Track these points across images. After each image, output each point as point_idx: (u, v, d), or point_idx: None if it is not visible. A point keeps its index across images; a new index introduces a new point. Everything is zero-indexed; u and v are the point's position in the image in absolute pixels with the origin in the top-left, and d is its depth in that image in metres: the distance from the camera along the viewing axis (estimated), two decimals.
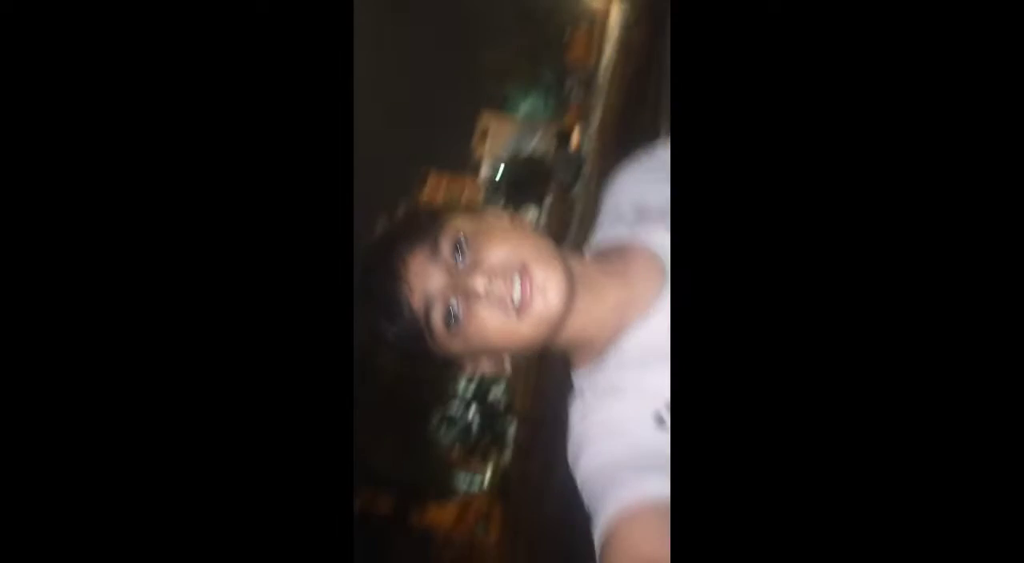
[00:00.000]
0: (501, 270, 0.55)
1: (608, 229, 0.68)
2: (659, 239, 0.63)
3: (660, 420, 0.55)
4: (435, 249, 0.56)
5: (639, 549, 0.48)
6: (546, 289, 0.55)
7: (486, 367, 0.62)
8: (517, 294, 0.54)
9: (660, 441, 0.54)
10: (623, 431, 0.55)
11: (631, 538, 0.49)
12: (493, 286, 0.55)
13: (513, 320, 0.55)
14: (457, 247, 0.56)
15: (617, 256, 0.64)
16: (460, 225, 0.57)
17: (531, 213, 11.69)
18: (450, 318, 0.56)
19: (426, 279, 0.56)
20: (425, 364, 0.62)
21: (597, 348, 0.61)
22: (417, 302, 0.56)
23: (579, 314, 0.58)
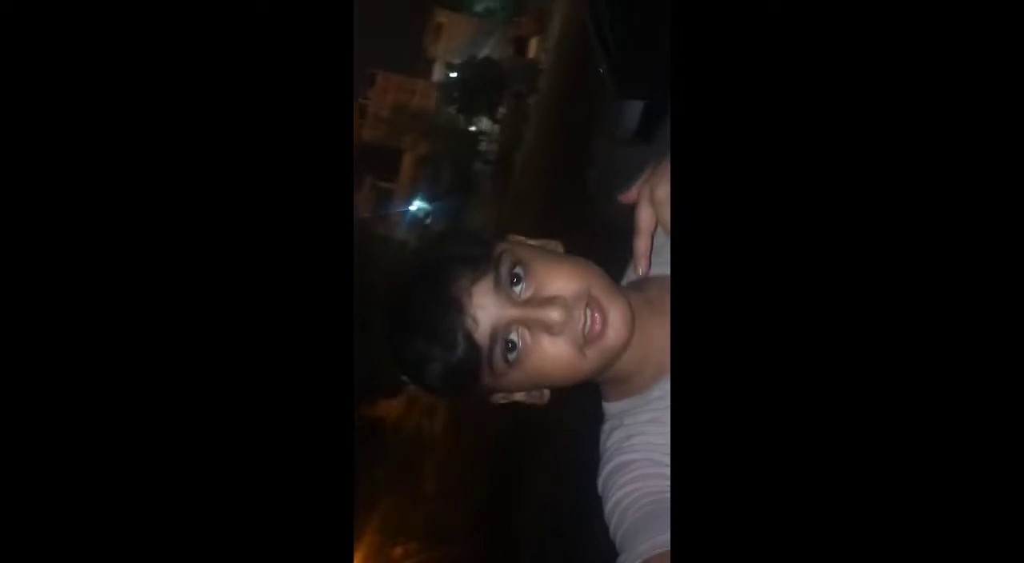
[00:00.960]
0: (572, 302, 0.54)
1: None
2: None
3: None
4: (498, 279, 0.54)
5: None
6: (616, 321, 0.54)
7: (520, 397, 0.60)
8: (588, 326, 0.53)
9: None
10: (661, 464, 0.54)
11: None
12: (566, 318, 0.53)
13: (578, 352, 0.54)
14: (514, 277, 0.55)
15: (659, 287, 0.62)
16: (517, 253, 0.56)
17: (484, 122, 11.54)
18: (513, 351, 0.54)
19: (492, 311, 0.54)
20: (467, 394, 0.58)
21: (638, 384, 0.60)
22: (482, 336, 0.53)
23: (627, 350, 0.57)
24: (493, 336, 0.53)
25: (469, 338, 0.53)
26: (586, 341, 0.53)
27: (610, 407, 0.61)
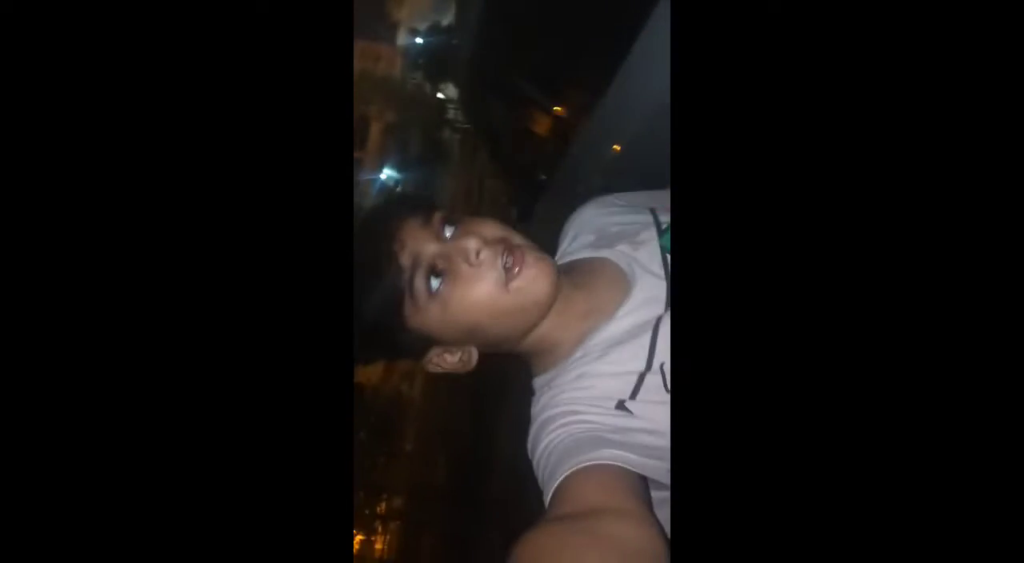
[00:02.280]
0: (493, 241, 0.57)
1: (568, 253, 0.71)
2: (622, 252, 0.65)
3: (623, 408, 0.55)
4: (427, 219, 0.58)
5: (582, 498, 0.47)
6: (539, 268, 0.57)
7: (450, 361, 0.61)
8: (508, 261, 0.56)
9: (622, 421, 0.54)
10: (585, 414, 0.55)
11: (582, 489, 0.48)
12: (484, 250, 0.56)
13: (498, 288, 0.56)
14: (448, 221, 0.59)
15: (580, 271, 0.66)
16: (454, 212, 0.61)
17: (449, 90, 11.52)
18: (432, 279, 0.56)
19: (417, 241, 0.57)
20: (393, 344, 0.59)
21: (561, 353, 0.62)
22: (405, 259, 0.56)
23: (550, 318, 0.60)
24: (415, 261, 0.57)
25: (394, 260, 0.56)
26: (508, 276, 0.56)
27: (538, 380, 0.63)
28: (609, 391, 0.56)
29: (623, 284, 0.63)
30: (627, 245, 0.66)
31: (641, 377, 0.56)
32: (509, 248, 0.57)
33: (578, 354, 0.60)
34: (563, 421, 0.55)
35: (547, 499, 0.50)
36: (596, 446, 0.51)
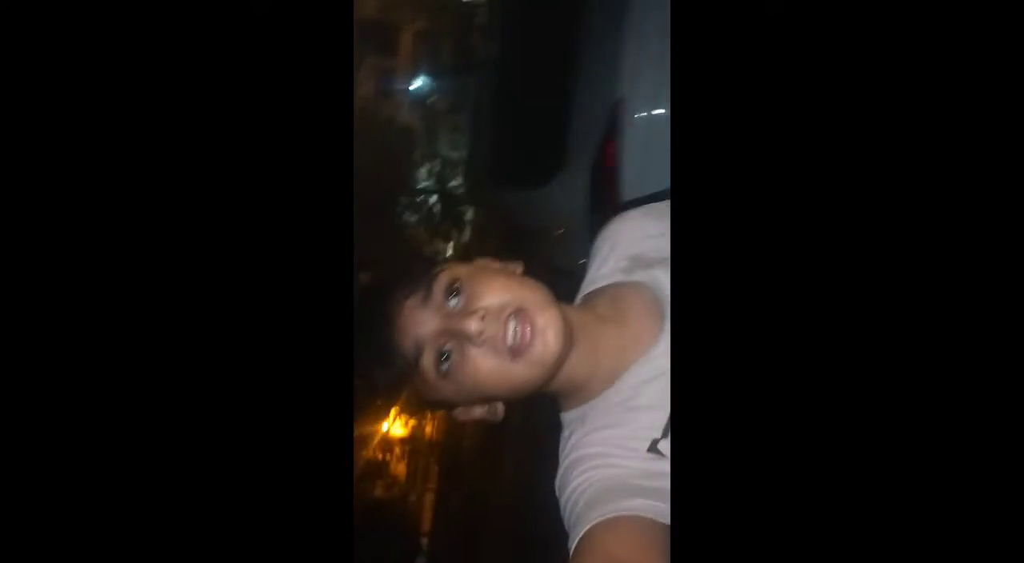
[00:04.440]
0: (495, 312, 0.56)
1: (599, 278, 0.68)
2: (656, 278, 0.63)
3: (655, 450, 0.54)
4: (428, 294, 0.57)
5: (611, 552, 0.47)
6: (546, 333, 0.55)
7: (478, 414, 0.61)
8: (512, 337, 0.55)
9: (654, 465, 0.53)
10: (616, 457, 0.54)
11: (605, 542, 0.48)
12: (487, 328, 0.55)
13: (507, 363, 0.55)
14: (451, 292, 0.57)
15: (610, 300, 0.64)
16: (454, 271, 0.58)
17: None
18: (441, 362, 0.56)
19: (418, 324, 0.57)
20: (425, 406, 0.61)
21: (592, 391, 0.60)
22: (408, 346, 0.56)
23: (576, 360, 0.58)
24: (418, 345, 0.56)
25: (396, 348, 0.57)
26: (514, 353, 0.55)
27: (566, 416, 0.62)
28: (641, 429, 0.55)
29: (657, 315, 0.61)
30: (661, 269, 0.63)
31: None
32: (515, 315, 0.56)
33: (610, 392, 0.59)
34: (593, 463, 0.55)
35: (572, 546, 0.50)
36: (625, 495, 0.51)
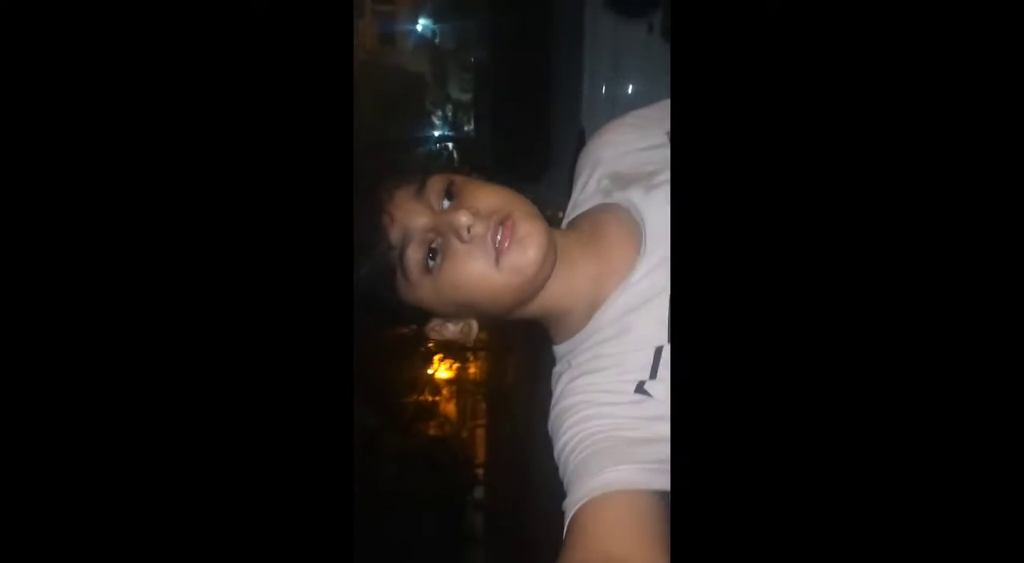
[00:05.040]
0: (486, 213, 0.57)
1: (581, 202, 0.69)
2: (631, 200, 0.63)
3: (642, 391, 0.56)
4: (422, 189, 0.58)
5: (598, 542, 0.48)
6: (526, 241, 0.56)
7: (451, 331, 0.62)
8: (497, 238, 0.56)
9: (642, 409, 0.55)
10: (603, 404, 0.56)
11: (594, 529, 0.49)
12: (476, 225, 0.56)
13: (491, 267, 0.56)
14: (445, 192, 0.59)
15: (590, 224, 0.65)
16: (450, 175, 0.60)
17: None
18: (428, 257, 0.56)
19: (408, 214, 0.58)
20: (390, 313, 0.60)
21: (575, 322, 0.62)
22: (396, 234, 0.57)
23: (555, 284, 0.59)
24: (406, 237, 0.57)
25: (384, 235, 0.57)
26: (497, 254, 0.56)
27: (557, 349, 0.64)
28: (627, 370, 0.57)
29: (635, 240, 0.61)
30: (641, 188, 0.63)
31: (658, 353, 0.57)
32: (501, 220, 0.56)
33: (592, 325, 0.61)
34: (582, 414, 0.56)
35: (567, 519, 0.52)
36: (612, 460, 0.52)
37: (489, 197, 0.60)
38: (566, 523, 0.53)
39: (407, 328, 0.66)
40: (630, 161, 0.68)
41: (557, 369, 0.64)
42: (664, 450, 0.50)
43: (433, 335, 0.65)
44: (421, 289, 0.59)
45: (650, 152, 0.67)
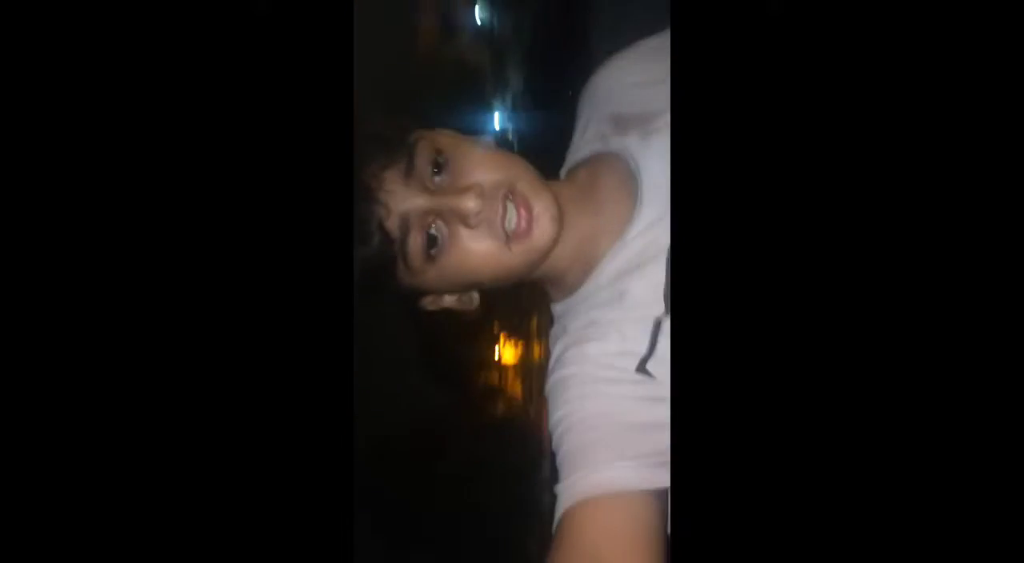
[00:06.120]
0: (491, 191, 0.54)
1: (581, 145, 0.68)
2: (629, 148, 0.63)
3: (644, 371, 0.55)
4: (411, 166, 0.55)
5: (592, 548, 0.50)
6: (543, 218, 0.54)
7: (448, 302, 0.61)
8: (510, 221, 0.54)
9: (643, 389, 0.54)
10: (603, 381, 0.55)
11: (590, 533, 0.51)
12: (484, 208, 0.54)
13: (502, 247, 0.54)
14: (436, 165, 0.55)
15: (587, 175, 0.65)
16: (435, 141, 0.56)
17: None
18: (430, 244, 0.54)
19: (403, 200, 0.55)
20: (388, 292, 0.58)
21: (571, 281, 0.62)
22: (392, 225, 0.54)
23: (557, 247, 0.58)
24: (404, 226, 0.55)
25: (380, 227, 0.55)
26: (511, 238, 0.55)
27: (555, 308, 0.64)
28: (627, 340, 0.56)
29: (631, 193, 0.61)
30: (638, 135, 0.62)
31: (657, 325, 0.57)
32: (511, 196, 0.54)
33: (586, 287, 0.61)
34: (581, 390, 0.56)
35: (559, 508, 0.52)
36: (612, 453, 0.51)
37: (487, 167, 0.57)
38: (558, 512, 0.53)
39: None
40: (630, 98, 0.67)
41: (554, 331, 0.65)
42: (666, 439, 0.46)
43: (430, 306, 0.64)
44: (424, 275, 0.59)
45: (652, 88, 0.65)
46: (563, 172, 0.70)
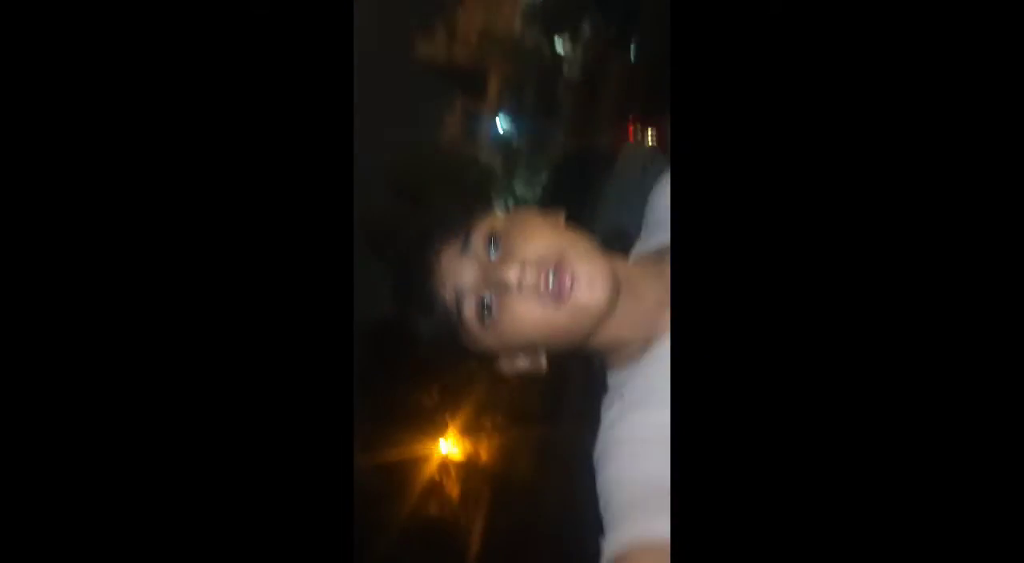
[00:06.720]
0: (535, 261, 0.56)
1: (650, 238, 0.69)
2: None
3: None
4: (467, 243, 0.58)
5: None
6: (592, 281, 0.55)
7: (522, 364, 0.62)
8: (553, 284, 0.55)
9: None
10: (654, 443, 0.52)
11: None
12: (526, 276, 0.55)
13: (549, 308, 0.55)
14: (490, 242, 0.58)
15: (656, 257, 0.65)
16: (493, 221, 0.60)
17: (566, 45, 11.76)
18: (483, 311, 0.57)
19: (457, 273, 0.58)
20: (459, 358, 0.62)
21: (633, 350, 0.61)
22: (448, 297, 0.58)
23: (619, 315, 0.58)
24: (458, 297, 0.58)
25: (436, 297, 0.58)
26: (554, 297, 0.55)
27: (612, 376, 0.63)
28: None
29: None
30: None
31: None
32: (553, 267, 0.56)
33: (648, 357, 0.60)
34: (632, 451, 0.55)
35: (605, 559, 0.51)
36: (652, 510, 0.50)
37: (537, 241, 0.58)
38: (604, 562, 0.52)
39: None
40: None
41: (608, 398, 0.63)
42: None
43: (505, 369, 0.65)
44: (484, 339, 0.60)
45: None
46: (632, 255, 0.72)
